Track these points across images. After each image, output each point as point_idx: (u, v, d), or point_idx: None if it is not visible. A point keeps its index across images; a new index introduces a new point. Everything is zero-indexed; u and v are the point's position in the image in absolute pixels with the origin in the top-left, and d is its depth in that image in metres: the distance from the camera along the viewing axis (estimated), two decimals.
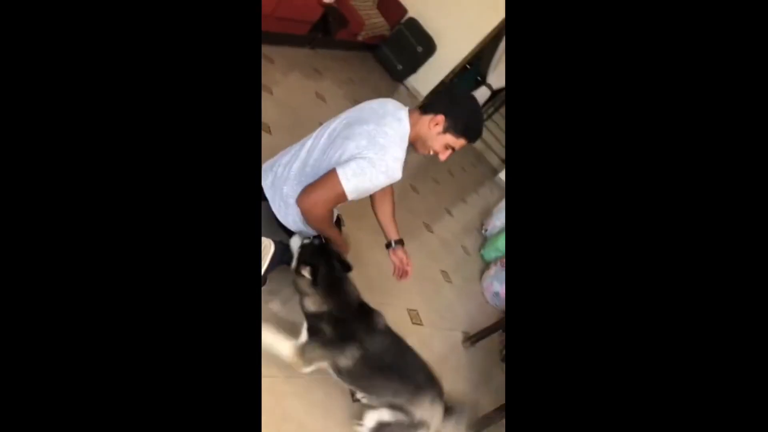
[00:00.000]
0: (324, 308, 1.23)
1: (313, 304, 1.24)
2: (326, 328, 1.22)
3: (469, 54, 5.60)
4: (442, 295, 2.50)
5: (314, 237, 1.36)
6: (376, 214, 1.65)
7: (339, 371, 1.23)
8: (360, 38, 4.43)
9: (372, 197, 1.60)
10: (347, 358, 1.21)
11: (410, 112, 1.37)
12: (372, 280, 1.90)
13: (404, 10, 5.28)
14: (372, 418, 1.24)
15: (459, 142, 1.35)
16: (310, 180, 1.33)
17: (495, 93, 6.27)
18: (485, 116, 6.87)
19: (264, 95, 2.44)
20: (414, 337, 1.97)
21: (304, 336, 1.24)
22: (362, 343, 1.22)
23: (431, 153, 1.38)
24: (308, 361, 1.23)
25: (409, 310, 2.10)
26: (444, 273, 2.72)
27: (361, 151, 1.23)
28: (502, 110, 7.03)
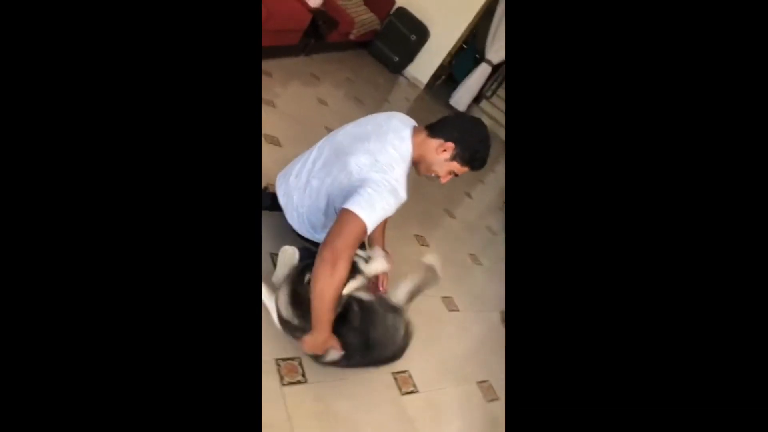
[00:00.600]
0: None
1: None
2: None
3: (464, 33, 5.52)
4: (473, 278, 2.49)
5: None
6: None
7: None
8: (352, 37, 4.42)
9: None
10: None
11: (415, 130, 1.33)
12: (404, 275, 1.91)
13: (392, 1, 5.24)
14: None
15: (463, 170, 1.33)
16: (314, 193, 1.35)
17: (496, 68, 6.17)
18: (489, 92, 6.77)
19: (267, 109, 2.47)
20: (452, 324, 1.97)
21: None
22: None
23: (432, 175, 1.36)
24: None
25: (444, 298, 2.10)
26: (472, 256, 2.71)
27: (363, 173, 1.21)
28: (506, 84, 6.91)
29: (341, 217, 1.14)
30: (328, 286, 1.08)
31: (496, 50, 5.87)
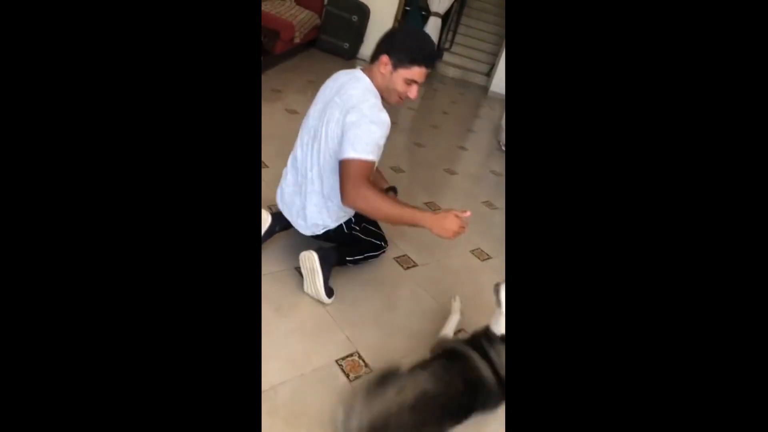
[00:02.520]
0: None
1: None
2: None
3: None
4: (495, 223, 2.49)
5: None
6: None
7: None
8: (297, 40, 4.38)
9: None
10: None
11: (363, 69, 1.39)
12: (429, 241, 1.92)
13: None
14: None
15: (415, 72, 1.31)
16: (317, 179, 1.42)
17: (445, 18, 6.06)
18: (448, 44, 6.65)
19: None
20: (487, 271, 1.98)
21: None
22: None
23: (400, 97, 1.36)
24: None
25: (473, 251, 2.10)
26: (487, 203, 2.70)
27: (343, 123, 1.28)
28: (462, 29, 6.78)
29: (341, 169, 1.27)
30: (379, 210, 1.26)
31: (438, 1, 5.75)
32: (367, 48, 5.50)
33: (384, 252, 1.70)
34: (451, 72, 6.48)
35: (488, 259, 2.09)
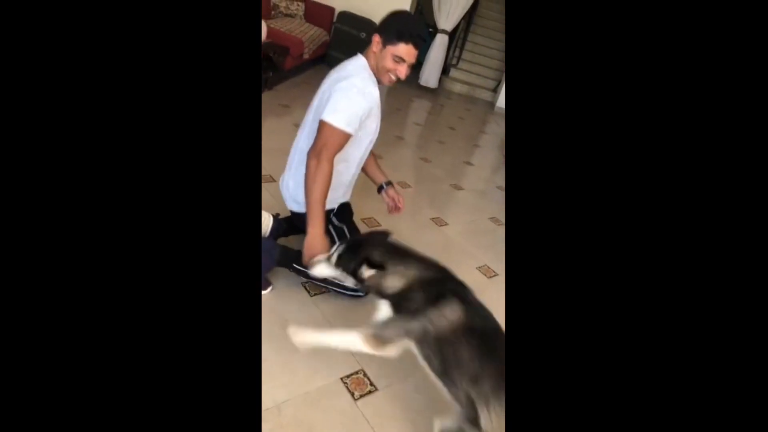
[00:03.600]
0: (410, 275, 1.10)
1: (396, 281, 1.10)
2: (416, 295, 1.08)
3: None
4: (501, 239, 2.48)
5: (339, 244, 1.22)
6: (363, 169, 1.68)
7: (423, 343, 1.07)
8: (306, 56, 4.45)
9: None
10: (444, 317, 1.04)
11: (363, 52, 1.48)
12: (436, 256, 1.91)
13: (332, 9, 5.26)
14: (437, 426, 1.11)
15: (402, 50, 1.37)
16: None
17: (452, 35, 6.13)
18: (455, 60, 6.72)
19: None
20: (494, 289, 1.97)
21: (384, 313, 1.12)
22: (460, 297, 1.07)
23: (391, 76, 1.42)
24: (387, 341, 1.09)
25: (479, 268, 2.09)
26: (494, 219, 2.70)
27: (332, 89, 1.36)
28: (469, 46, 6.86)
29: (318, 128, 1.34)
30: (313, 182, 1.31)
31: (446, 18, 5.84)
32: None
33: (358, 297, 1.56)
34: (458, 88, 6.53)
35: (495, 276, 2.08)
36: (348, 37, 5.17)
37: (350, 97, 1.32)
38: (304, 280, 1.61)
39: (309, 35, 4.53)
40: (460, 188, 3.03)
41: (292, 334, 1.14)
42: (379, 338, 1.09)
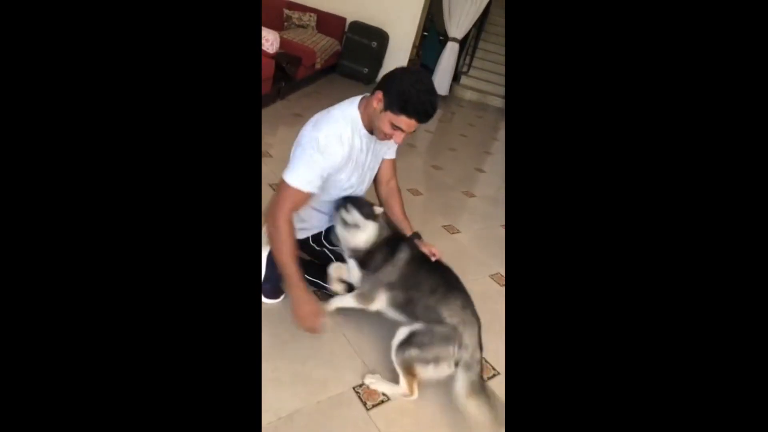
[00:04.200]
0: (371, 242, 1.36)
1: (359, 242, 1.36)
2: (376, 254, 1.34)
3: (420, 22, 5.55)
4: None
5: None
6: (388, 215, 1.54)
7: (392, 287, 1.33)
8: (318, 66, 4.50)
9: (380, 198, 1.58)
10: (397, 266, 1.33)
11: (364, 97, 1.33)
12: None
13: (343, 19, 5.33)
14: (404, 331, 1.29)
15: (403, 122, 1.22)
16: None
17: (462, 42, 6.15)
18: (465, 68, 6.73)
19: (265, 160, 2.54)
20: None
21: (356, 273, 1.36)
22: (410, 249, 1.37)
23: (384, 137, 1.28)
24: (371, 298, 1.34)
25: (492, 276, 2.07)
26: (505, 226, 2.68)
27: (295, 147, 1.27)
28: (479, 53, 6.87)
29: (279, 183, 1.25)
30: (276, 249, 1.25)
31: (456, 26, 5.86)
32: (386, 72, 5.61)
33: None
34: (469, 95, 6.53)
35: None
36: (359, 47, 5.22)
37: (309, 155, 1.21)
38: (316, 289, 1.61)
39: (321, 45, 4.59)
40: (471, 195, 3.02)
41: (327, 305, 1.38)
42: (364, 295, 1.35)
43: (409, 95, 1.18)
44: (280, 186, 1.24)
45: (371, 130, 1.31)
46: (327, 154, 1.22)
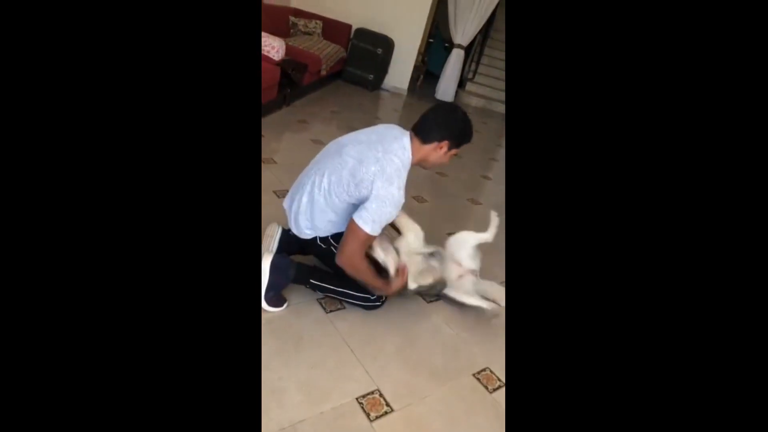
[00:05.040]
0: None
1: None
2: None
3: (425, 28, 5.56)
4: None
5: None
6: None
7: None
8: (324, 72, 4.52)
9: None
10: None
11: (412, 138, 1.49)
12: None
13: (349, 26, 5.35)
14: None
15: (460, 149, 1.56)
16: (323, 206, 1.49)
17: (468, 49, 6.16)
18: (471, 74, 6.74)
19: (270, 167, 2.54)
20: None
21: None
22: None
23: (441, 166, 1.52)
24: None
25: (501, 283, 2.05)
26: None
27: (372, 187, 1.37)
28: (485, 60, 6.88)
29: (350, 226, 1.39)
30: (367, 281, 1.50)
31: (462, 33, 5.87)
32: (391, 78, 5.62)
33: (376, 307, 1.62)
34: (474, 101, 6.53)
35: None
36: (364, 53, 5.24)
37: (388, 212, 1.38)
38: (321, 295, 1.60)
39: (326, 52, 4.61)
40: (477, 203, 3.00)
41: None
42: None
43: (464, 130, 1.52)
44: (357, 231, 1.36)
45: (418, 164, 1.54)
46: (397, 205, 1.41)
